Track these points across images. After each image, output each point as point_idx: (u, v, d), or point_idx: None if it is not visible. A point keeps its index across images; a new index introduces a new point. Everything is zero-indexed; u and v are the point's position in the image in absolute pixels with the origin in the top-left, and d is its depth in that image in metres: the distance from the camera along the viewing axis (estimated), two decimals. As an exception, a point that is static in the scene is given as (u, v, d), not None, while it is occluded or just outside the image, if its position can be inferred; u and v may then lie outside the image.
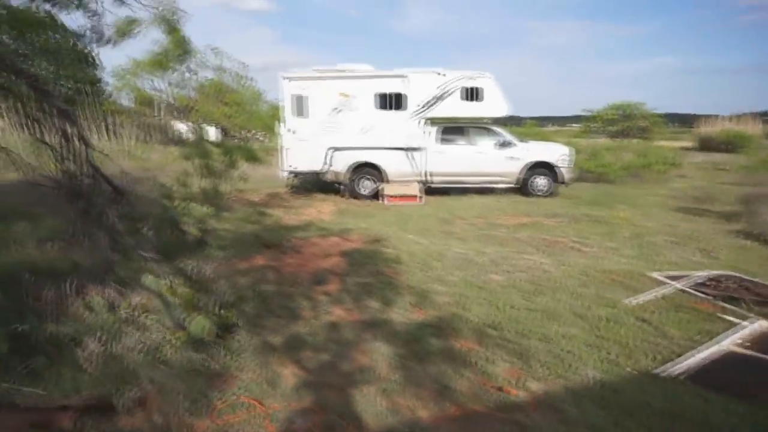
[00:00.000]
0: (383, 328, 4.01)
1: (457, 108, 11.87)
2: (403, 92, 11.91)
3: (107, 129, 26.91)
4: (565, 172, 12.04)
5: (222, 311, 3.56)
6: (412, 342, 3.73)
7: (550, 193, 12.02)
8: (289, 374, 3.19)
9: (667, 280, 5.27)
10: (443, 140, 12.13)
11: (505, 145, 12.03)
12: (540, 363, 3.41)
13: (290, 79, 12.08)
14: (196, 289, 3.70)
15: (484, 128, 12.28)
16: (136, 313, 3.54)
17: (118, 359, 2.92)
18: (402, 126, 11.96)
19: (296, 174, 12.58)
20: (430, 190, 12.24)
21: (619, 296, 4.81)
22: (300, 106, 12.09)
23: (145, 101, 40.57)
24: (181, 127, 39.09)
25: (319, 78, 12.09)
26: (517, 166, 11.99)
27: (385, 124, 11.99)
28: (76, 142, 5.33)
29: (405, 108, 11.95)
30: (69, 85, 29.17)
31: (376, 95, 11.99)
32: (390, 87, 11.97)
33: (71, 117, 5.28)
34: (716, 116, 33.17)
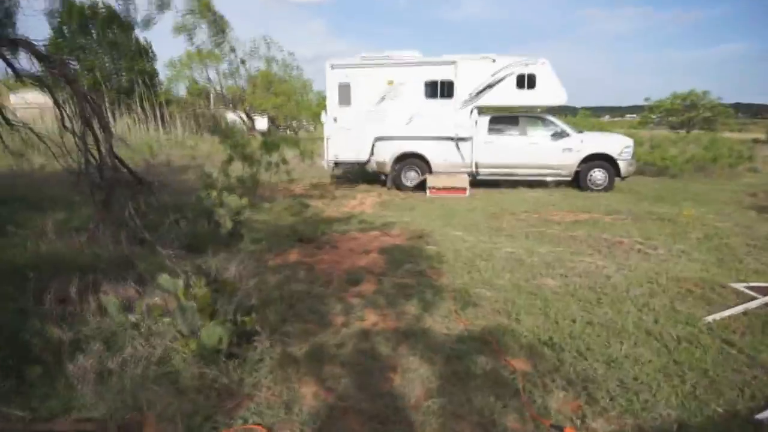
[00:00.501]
0: (421, 339, 3.56)
1: (509, 96, 11.20)
2: (452, 80, 11.34)
3: (161, 119, 27.51)
4: (626, 166, 11.17)
5: (241, 317, 3.19)
6: (453, 359, 3.26)
7: (608, 188, 11.18)
8: (309, 395, 2.79)
9: (753, 293, 4.56)
10: (493, 130, 11.49)
11: (560, 135, 11.27)
12: (605, 394, 2.87)
13: (336, 66, 11.72)
14: (216, 290, 3.35)
15: (538, 118, 11.55)
16: (149, 317, 3.23)
17: (118, 374, 2.60)
18: (450, 115, 11.39)
19: (339, 164, 12.23)
20: (477, 182, 11.64)
21: (695, 310, 4.16)
22: (345, 94, 11.72)
23: (199, 92, 41.44)
24: (232, 117, 39.68)
25: (366, 65, 11.67)
26: (573, 158, 11.21)
27: (432, 113, 11.46)
28: (97, 131, 5.13)
29: (454, 96, 11.37)
30: (126, 77, 29.72)
31: (423, 83, 11.48)
32: (438, 74, 11.42)
33: (93, 103, 5.08)
34: (791, 106, 30.68)
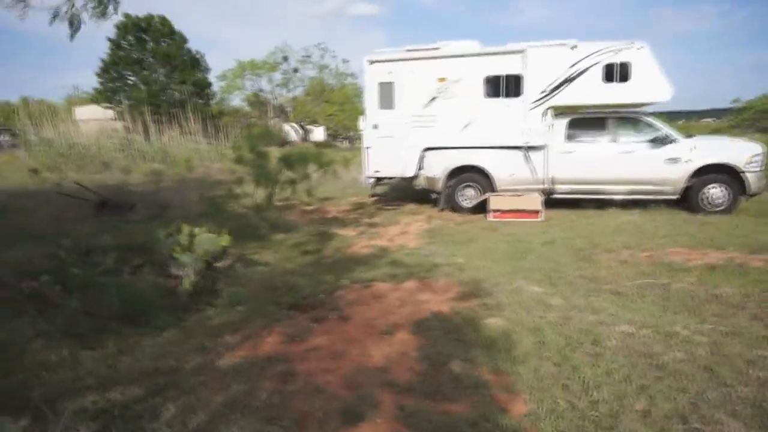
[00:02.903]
0: None
1: (594, 92, 8.77)
2: (519, 73, 9.04)
3: (213, 130, 26.38)
4: (756, 180, 8.41)
5: None
6: None
7: (730, 210, 8.46)
8: None
9: None
10: (573, 136, 9.06)
11: (662, 141, 8.68)
12: None
13: (375, 61, 9.70)
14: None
15: (633, 119, 8.99)
16: None
17: None
18: (517, 118, 9.08)
19: (381, 180, 10.15)
20: (552, 202, 9.23)
21: None
22: (387, 95, 9.67)
23: (257, 103, 40.89)
24: (288, 128, 38.41)
25: (412, 59, 9.58)
26: (681, 170, 8.58)
27: (495, 116, 9.20)
28: None
29: (522, 94, 9.06)
30: (180, 89, 29.12)
31: (483, 79, 9.24)
32: (503, 67, 9.15)
33: None
34: None
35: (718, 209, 8.48)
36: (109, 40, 32.66)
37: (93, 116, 29.83)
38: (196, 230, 4.60)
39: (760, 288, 4.64)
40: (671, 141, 8.67)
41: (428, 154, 9.60)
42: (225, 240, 4.69)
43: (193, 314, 4.03)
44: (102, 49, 35.42)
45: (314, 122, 38.51)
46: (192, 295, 4.19)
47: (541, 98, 8.98)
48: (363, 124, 9.92)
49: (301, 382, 2.98)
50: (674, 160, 8.59)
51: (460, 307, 4.21)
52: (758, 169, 8.41)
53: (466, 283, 4.92)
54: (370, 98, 9.76)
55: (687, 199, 8.68)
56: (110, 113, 31.49)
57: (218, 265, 4.75)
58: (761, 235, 6.75)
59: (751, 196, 8.56)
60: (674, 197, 8.75)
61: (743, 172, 8.34)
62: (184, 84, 33.00)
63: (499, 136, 9.17)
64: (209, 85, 36.62)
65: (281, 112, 39.18)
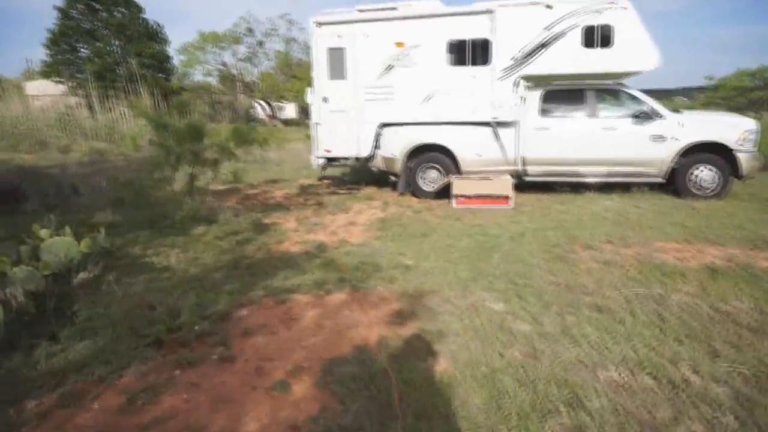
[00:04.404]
0: None
1: (572, 59, 7.68)
2: (487, 38, 7.87)
3: (166, 105, 24.60)
4: (748, 161, 7.47)
5: None
6: None
7: (720, 194, 7.54)
8: None
9: None
10: (548, 110, 7.98)
11: (647, 116, 7.66)
12: None
13: (323, 23, 8.41)
14: None
15: (615, 90, 7.94)
16: None
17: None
18: (485, 89, 7.95)
19: (333, 160, 8.93)
20: (524, 185, 8.19)
21: None
22: (337, 63, 8.42)
23: (226, 78, 38.78)
24: (259, 106, 36.35)
25: (365, 21, 8.31)
26: (667, 149, 7.60)
27: (459, 88, 8.05)
28: None
29: (490, 62, 7.92)
30: (136, 62, 27.06)
31: (447, 44, 8.06)
32: (468, 31, 7.97)
33: None
34: None
35: (708, 194, 7.55)
36: (58, 9, 30.30)
37: (46, 91, 27.80)
38: (43, 232, 3.38)
39: (763, 293, 3.67)
40: (657, 116, 7.66)
41: (385, 131, 8.42)
42: (85, 245, 3.49)
43: (18, 354, 2.85)
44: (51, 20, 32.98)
45: (282, 98, 36.70)
46: (29, 324, 3.01)
47: (511, 66, 7.85)
48: (311, 96, 8.66)
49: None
50: (660, 138, 7.59)
51: (394, 337, 3.12)
52: (751, 148, 7.48)
53: (408, 296, 3.82)
54: (319, 67, 8.49)
55: (673, 182, 7.73)
56: (62, 88, 29.43)
57: (79, 277, 3.55)
58: (760, 227, 5.81)
59: (744, 179, 7.64)
60: (660, 180, 7.78)
61: (735, 151, 7.40)
62: (140, 57, 30.89)
63: (464, 110, 8.04)
64: (168, 58, 34.47)
65: (249, 89, 37.25)
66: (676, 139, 7.56)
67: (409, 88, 8.19)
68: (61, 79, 29.82)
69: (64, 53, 31.94)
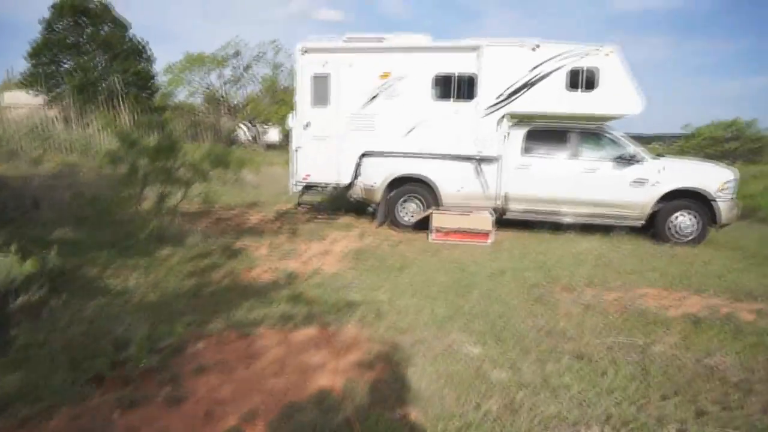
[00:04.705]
0: None
1: (556, 100, 7.68)
2: (473, 73, 7.86)
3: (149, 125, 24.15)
4: (727, 209, 7.49)
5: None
6: None
7: (698, 240, 7.52)
8: None
9: None
10: (531, 149, 7.94)
11: (628, 160, 7.68)
12: None
13: (310, 50, 8.33)
14: None
15: (597, 133, 7.95)
16: None
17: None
18: (469, 124, 7.91)
19: (311, 187, 8.73)
20: (504, 222, 8.09)
21: None
22: (321, 90, 8.32)
23: (211, 99, 38.57)
24: (243, 128, 36.13)
25: (352, 50, 8.25)
26: (648, 194, 7.59)
27: (443, 121, 7.99)
28: None
29: (476, 98, 7.89)
30: (119, 79, 26.75)
31: (433, 78, 8.02)
32: (455, 66, 7.95)
33: None
34: None
35: (686, 239, 7.53)
36: (44, 22, 29.99)
37: (25, 102, 27.26)
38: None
39: (762, 356, 3.52)
40: (638, 161, 7.67)
41: (366, 160, 8.28)
42: (32, 264, 3.19)
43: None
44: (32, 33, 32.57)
45: (267, 121, 36.55)
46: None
47: (496, 103, 7.83)
48: (292, 121, 8.51)
49: None
50: (641, 182, 7.59)
51: (361, 381, 2.87)
52: (729, 197, 7.51)
53: (381, 336, 3.59)
54: (302, 92, 8.36)
55: (653, 226, 7.70)
56: (40, 99, 28.89)
57: (20, 300, 3.25)
58: (738, 275, 5.75)
59: (721, 226, 7.65)
60: (639, 223, 7.75)
61: (715, 199, 7.42)
62: (125, 74, 30.60)
63: (447, 143, 7.96)
64: (153, 77, 34.23)
65: (233, 111, 37.09)
66: (657, 184, 7.56)
67: (392, 118, 8.10)
68: (39, 91, 29.32)
69: (46, 65, 31.49)
